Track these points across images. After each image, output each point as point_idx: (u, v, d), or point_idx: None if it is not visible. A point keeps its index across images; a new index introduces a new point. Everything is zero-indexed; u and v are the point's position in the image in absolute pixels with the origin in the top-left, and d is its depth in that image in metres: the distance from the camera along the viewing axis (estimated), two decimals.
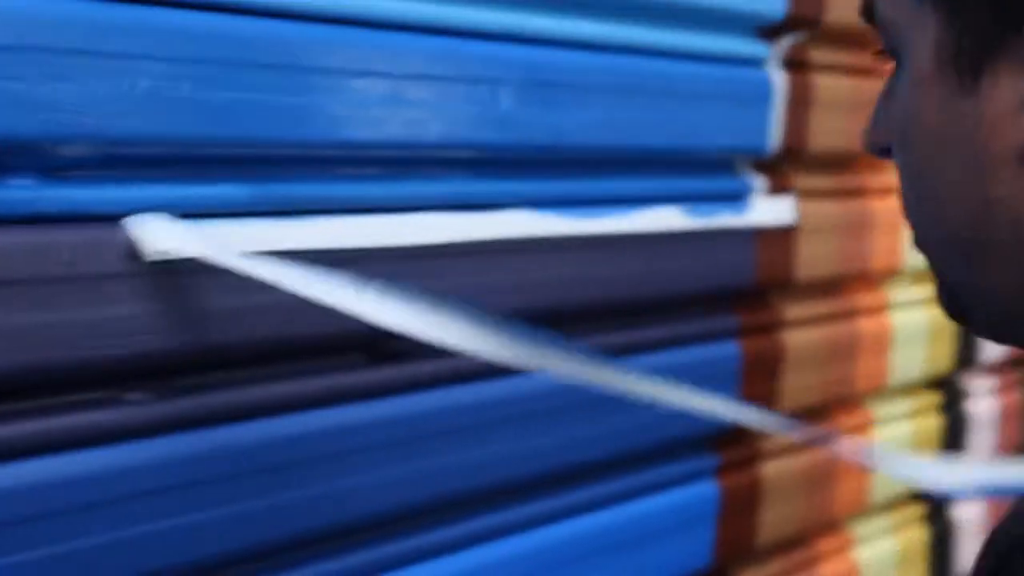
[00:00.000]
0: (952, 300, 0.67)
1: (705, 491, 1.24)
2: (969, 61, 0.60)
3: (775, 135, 1.27)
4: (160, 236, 0.71)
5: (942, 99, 0.61)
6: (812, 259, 1.35)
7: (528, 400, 1.03)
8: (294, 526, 0.83)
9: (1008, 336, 0.65)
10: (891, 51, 0.64)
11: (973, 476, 0.89)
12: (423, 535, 0.97)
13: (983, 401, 1.74)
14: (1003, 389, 1.79)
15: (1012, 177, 0.59)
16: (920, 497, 1.62)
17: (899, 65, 0.64)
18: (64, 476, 0.71)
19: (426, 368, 0.93)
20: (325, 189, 0.85)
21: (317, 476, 0.84)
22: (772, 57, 1.28)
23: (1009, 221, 0.60)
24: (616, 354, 1.12)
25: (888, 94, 0.66)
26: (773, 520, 1.33)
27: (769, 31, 1.27)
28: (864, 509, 1.50)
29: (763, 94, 1.26)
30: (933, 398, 1.64)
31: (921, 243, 0.66)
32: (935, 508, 1.65)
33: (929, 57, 0.61)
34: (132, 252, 0.71)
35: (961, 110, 0.61)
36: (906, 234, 1.48)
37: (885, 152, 0.67)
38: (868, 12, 0.65)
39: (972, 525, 1.71)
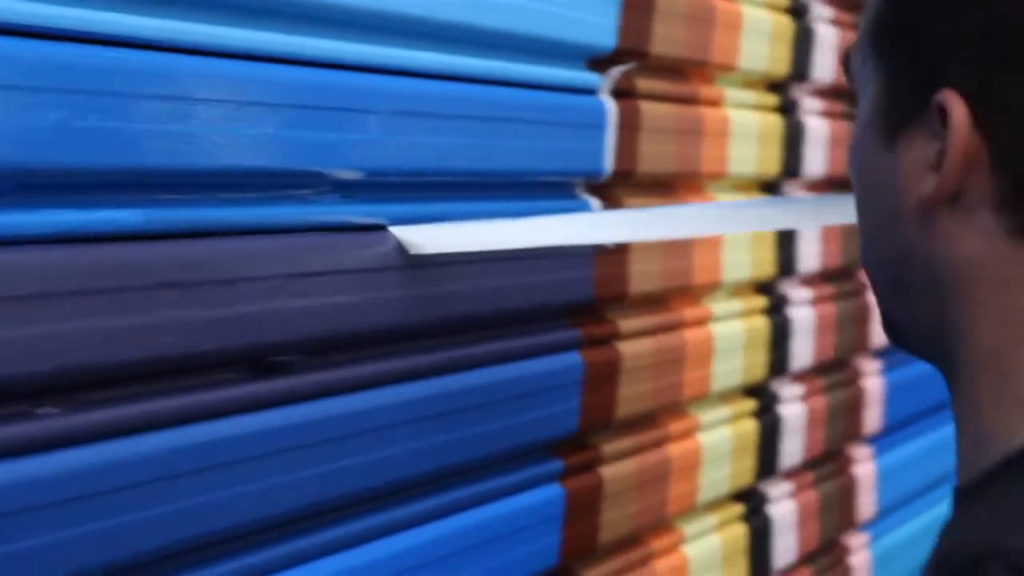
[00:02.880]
0: (886, 323, 0.78)
1: (552, 494, 1.31)
2: (892, 120, 0.71)
3: (609, 159, 1.36)
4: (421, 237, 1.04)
5: (874, 149, 0.73)
6: (642, 275, 1.44)
7: (392, 410, 1.09)
8: (187, 531, 0.88)
9: (932, 356, 0.75)
10: (856, 97, 0.76)
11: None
12: (296, 541, 1.02)
13: (793, 406, 1.86)
14: (810, 394, 1.92)
15: (918, 230, 0.70)
16: (740, 496, 1.74)
17: (859, 109, 0.76)
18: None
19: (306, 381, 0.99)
20: None
21: (204, 485, 0.89)
22: (603, 86, 1.37)
23: (921, 266, 0.71)
24: (470, 366, 1.19)
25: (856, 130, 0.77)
26: (612, 520, 1.41)
27: (600, 62, 1.36)
28: (692, 508, 1.60)
29: (599, 121, 1.34)
30: (749, 404, 1.76)
31: (863, 265, 0.78)
32: (754, 506, 1.77)
33: (869, 109, 0.74)
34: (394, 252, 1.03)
35: (884, 163, 0.72)
36: (724, 250, 1.61)
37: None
38: (845, 65, 0.78)
39: (787, 520, 1.83)
